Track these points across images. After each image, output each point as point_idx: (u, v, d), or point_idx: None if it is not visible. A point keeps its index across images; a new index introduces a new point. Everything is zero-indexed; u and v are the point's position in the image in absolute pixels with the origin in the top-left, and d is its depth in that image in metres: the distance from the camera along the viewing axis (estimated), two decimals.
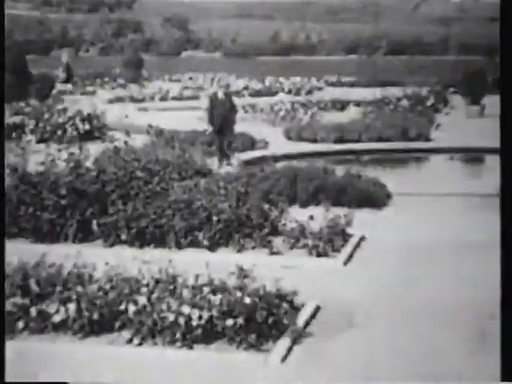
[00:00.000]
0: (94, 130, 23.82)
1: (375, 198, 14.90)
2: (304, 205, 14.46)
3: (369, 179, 15.58)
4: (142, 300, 8.27)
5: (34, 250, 10.21)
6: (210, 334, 8.11)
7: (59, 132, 23.16)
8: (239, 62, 57.11)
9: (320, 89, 42.81)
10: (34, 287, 8.65)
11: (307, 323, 8.63)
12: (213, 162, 17.54)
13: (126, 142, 15.01)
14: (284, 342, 8.05)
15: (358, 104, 32.05)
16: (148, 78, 49.19)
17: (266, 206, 12.37)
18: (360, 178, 15.47)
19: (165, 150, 16.78)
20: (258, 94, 38.91)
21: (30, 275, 8.78)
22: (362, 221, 12.58)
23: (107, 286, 8.61)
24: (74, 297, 8.42)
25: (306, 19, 73.24)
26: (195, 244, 11.65)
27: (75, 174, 12.49)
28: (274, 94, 38.37)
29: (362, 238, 12.32)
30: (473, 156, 22.08)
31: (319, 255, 11.35)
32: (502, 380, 6.95)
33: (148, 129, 20.89)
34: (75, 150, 12.93)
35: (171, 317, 8.06)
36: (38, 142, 21.41)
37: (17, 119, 23.53)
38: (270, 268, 9.79)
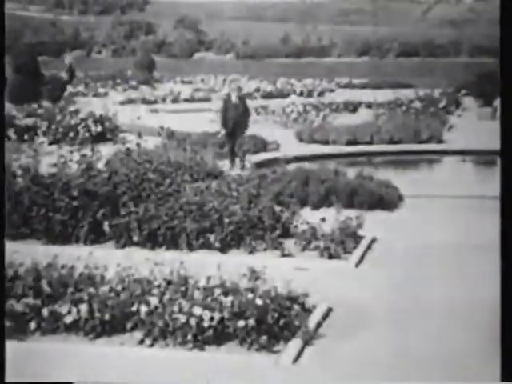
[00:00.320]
0: (106, 131, 23.85)
1: (387, 200, 14.89)
2: (315, 207, 14.46)
3: (380, 181, 15.57)
4: (154, 301, 8.29)
5: (46, 251, 10.25)
6: (221, 336, 8.12)
7: (71, 134, 23.20)
8: (251, 64, 57.05)
9: (332, 91, 42.75)
10: (46, 288, 8.67)
11: (318, 325, 8.63)
12: (224, 164, 17.55)
13: (138, 144, 15.02)
14: (295, 344, 8.05)
15: (369, 106, 31.98)
16: (160, 80, 49.24)
17: (278, 208, 12.38)
18: (372, 180, 15.46)
19: (176, 152, 16.79)
20: (269, 95, 38.88)
21: (42, 276, 8.81)
22: (373, 223, 12.58)
23: (119, 287, 8.64)
24: (86, 298, 8.44)
25: (318, 21, 73.17)
26: (207, 246, 11.67)
27: (87, 176, 12.52)
28: (286, 95, 38.34)
29: (374, 240, 12.30)
30: (485, 158, 22.03)
31: (331, 257, 11.35)
32: (502, 380, 6.94)
33: (160, 131, 20.91)
34: (87, 152, 12.97)
35: (183, 318, 8.07)
36: (50, 143, 21.45)
37: (29, 121, 23.57)
38: (281, 270, 9.80)
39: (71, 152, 13.05)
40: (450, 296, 9.77)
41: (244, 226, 11.77)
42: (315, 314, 8.80)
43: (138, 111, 28.61)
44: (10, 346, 8.07)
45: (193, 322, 8.05)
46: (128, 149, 14.31)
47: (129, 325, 8.35)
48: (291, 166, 16.78)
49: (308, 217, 12.34)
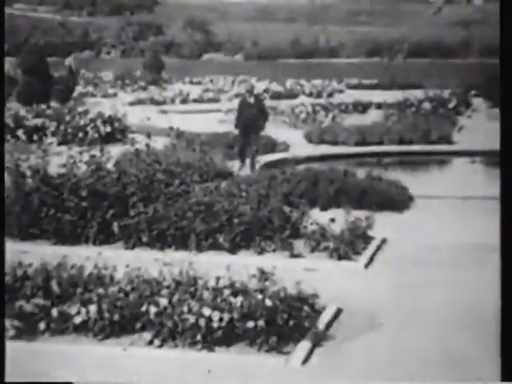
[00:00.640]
0: (116, 132, 23.86)
1: (396, 201, 14.85)
2: (325, 207, 14.42)
3: (390, 182, 15.53)
4: (163, 302, 8.27)
5: (55, 252, 10.25)
6: (230, 337, 8.10)
7: (80, 134, 23.21)
8: (260, 65, 57.09)
9: (341, 91, 42.73)
10: (56, 288, 8.67)
11: (328, 326, 8.60)
12: (234, 165, 17.52)
13: (147, 145, 15.00)
14: (305, 345, 8.03)
15: (379, 106, 31.95)
16: (168, 81, 49.29)
17: (287, 209, 12.36)
18: (381, 181, 15.42)
19: (186, 153, 16.80)
20: (278, 96, 38.83)
21: (52, 276, 8.80)
22: (383, 223, 12.55)
23: (128, 288, 8.62)
24: (95, 298, 8.43)
25: (327, 22, 73.16)
26: (216, 246, 11.65)
27: (96, 176, 12.51)
28: (295, 96, 38.36)
29: (384, 241, 12.27)
30: (495, 159, 21.90)
31: (340, 258, 11.31)
32: (502, 380, 6.91)
33: (169, 131, 20.90)
34: (96, 152, 12.96)
35: (192, 319, 8.06)
36: (60, 144, 21.47)
37: (38, 121, 23.60)
38: (290, 270, 9.77)
39: (80, 152, 13.03)
40: (461, 297, 9.72)
41: (253, 226, 11.75)
42: (325, 315, 8.77)
43: (147, 112, 28.61)
44: (17, 346, 8.08)
45: (202, 322, 8.03)
46: (137, 149, 14.28)
47: (138, 325, 8.34)
48: (300, 167, 16.75)
49: (317, 217, 12.31)
